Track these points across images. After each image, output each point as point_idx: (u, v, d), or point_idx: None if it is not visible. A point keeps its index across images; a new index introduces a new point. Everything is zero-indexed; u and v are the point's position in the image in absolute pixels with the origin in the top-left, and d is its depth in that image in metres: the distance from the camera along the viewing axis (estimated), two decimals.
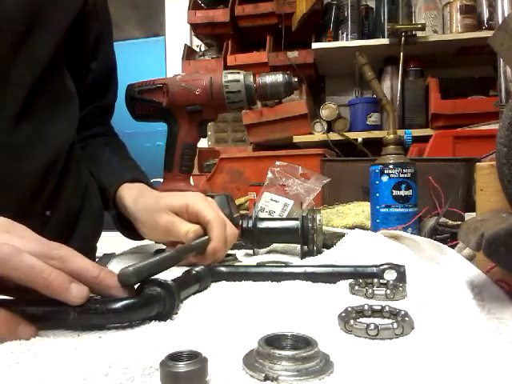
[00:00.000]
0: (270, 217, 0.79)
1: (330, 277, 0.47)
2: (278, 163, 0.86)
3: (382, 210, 0.74)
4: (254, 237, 0.65)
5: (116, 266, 0.62)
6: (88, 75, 0.77)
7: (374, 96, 1.87)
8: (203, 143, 2.24)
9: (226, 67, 2.05)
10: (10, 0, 0.56)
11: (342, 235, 0.67)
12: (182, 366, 0.25)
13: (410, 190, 0.73)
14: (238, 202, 1.08)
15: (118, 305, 0.34)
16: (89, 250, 0.72)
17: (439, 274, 0.48)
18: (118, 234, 0.70)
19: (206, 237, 0.57)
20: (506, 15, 0.99)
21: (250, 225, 0.65)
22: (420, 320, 0.35)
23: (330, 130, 1.98)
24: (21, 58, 0.57)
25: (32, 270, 0.33)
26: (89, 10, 0.71)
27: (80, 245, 0.66)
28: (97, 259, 0.68)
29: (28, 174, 0.58)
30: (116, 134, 0.88)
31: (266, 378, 0.26)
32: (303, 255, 0.63)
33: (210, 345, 0.30)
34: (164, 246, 0.71)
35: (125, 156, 0.82)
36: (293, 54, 2.00)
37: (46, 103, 0.62)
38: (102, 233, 0.77)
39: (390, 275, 0.46)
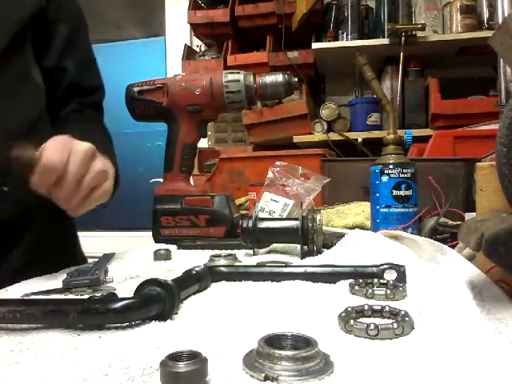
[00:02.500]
0: (270, 217, 0.79)
1: (330, 277, 0.47)
2: (278, 163, 0.86)
3: (382, 210, 0.74)
4: (254, 237, 0.65)
5: (116, 266, 0.62)
6: (65, 75, 0.79)
7: (374, 96, 1.87)
8: (203, 143, 2.24)
9: (226, 67, 2.05)
10: None
11: (342, 235, 0.67)
12: (181, 366, 0.25)
13: (410, 190, 0.73)
14: (237, 202, 1.08)
15: (118, 305, 0.34)
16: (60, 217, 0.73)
17: (439, 273, 0.48)
18: (118, 234, 0.70)
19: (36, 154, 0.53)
20: (506, 15, 0.99)
21: (250, 225, 0.65)
22: (420, 320, 0.35)
23: (330, 130, 1.97)
24: None
25: None
26: (53, 16, 0.75)
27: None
28: (96, 259, 0.68)
29: None
30: (94, 116, 0.87)
31: (266, 378, 0.26)
32: (303, 255, 0.63)
33: (210, 345, 0.30)
34: (166, 246, 0.71)
35: (83, 128, 0.80)
36: (293, 54, 2.00)
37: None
38: (102, 233, 0.77)
39: (390, 275, 0.46)
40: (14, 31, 0.67)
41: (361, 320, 0.34)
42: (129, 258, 0.70)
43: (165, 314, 0.37)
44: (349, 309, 0.36)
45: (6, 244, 0.69)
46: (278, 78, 0.82)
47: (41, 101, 0.75)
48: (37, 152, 0.52)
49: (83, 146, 0.56)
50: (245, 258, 0.66)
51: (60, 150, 0.53)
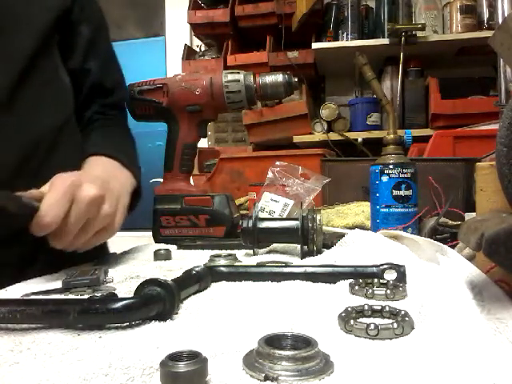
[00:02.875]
0: (270, 217, 0.79)
1: (330, 277, 0.47)
2: (278, 163, 0.86)
3: (382, 209, 0.74)
4: (254, 237, 0.65)
5: (116, 266, 0.62)
6: (88, 76, 0.79)
7: (374, 96, 1.87)
8: (203, 143, 2.24)
9: (226, 67, 2.05)
10: None
11: (342, 235, 0.67)
12: (182, 366, 0.25)
13: (410, 190, 0.73)
14: (237, 202, 1.08)
15: (118, 305, 0.34)
16: None
17: (439, 273, 0.48)
18: (118, 233, 0.70)
19: (36, 204, 0.50)
20: (506, 15, 0.99)
21: (250, 225, 0.65)
22: (420, 320, 0.35)
23: (330, 130, 1.98)
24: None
25: None
26: (76, 18, 0.75)
27: None
28: (96, 259, 0.68)
29: (8, 157, 0.61)
30: (116, 124, 0.87)
31: (266, 378, 0.26)
32: (303, 255, 0.63)
33: (210, 345, 0.30)
34: (166, 246, 0.71)
35: (105, 136, 0.81)
36: (293, 54, 2.00)
37: (30, 94, 0.65)
38: None
39: (390, 275, 0.46)
40: (42, 33, 0.68)
41: (361, 320, 0.34)
42: (129, 258, 0.70)
43: (165, 314, 0.37)
44: (349, 309, 0.36)
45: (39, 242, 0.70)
46: (278, 78, 0.82)
47: (70, 103, 0.75)
48: (37, 203, 0.50)
49: (89, 194, 0.53)
50: (245, 258, 0.66)
51: (60, 201, 0.51)
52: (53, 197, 0.51)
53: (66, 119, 0.73)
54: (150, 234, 0.85)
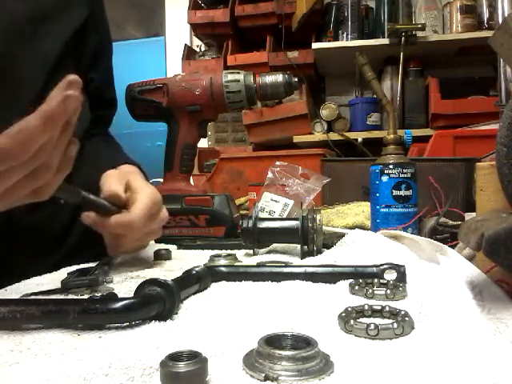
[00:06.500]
0: (270, 217, 0.79)
1: (330, 277, 0.47)
2: (278, 163, 0.86)
3: (382, 209, 0.74)
4: (254, 237, 0.65)
5: (116, 266, 0.62)
6: (89, 85, 0.80)
7: (374, 96, 1.87)
8: (203, 143, 2.24)
9: (226, 67, 2.05)
10: (12, 2, 0.63)
11: (342, 235, 0.67)
12: (182, 366, 0.25)
13: (410, 190, 0.73)
14: (238, 202, 1.08)
15: (118, 305, 0.34)
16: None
17: (439, 273, 0.48)
18: None
19: (115, 209, 0.55)
20: (506, 15, 0.99)
21: (250, 225, 0.65)
22: (420, 320, 0.35)
23: (330, 130, 1.98)
24: (29, 55, 0.63)
25: None
26: (86, 26, 0.75)
27: None
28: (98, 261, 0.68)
29: None
30: (112, 137, 0.90)
31: (266, 378, 0.26)
32: (303, 255, 0.63)
33: (210, 345, 0.30)
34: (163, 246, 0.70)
35: (117, 149, 0.84)
36: (293, 54, 2.00)
37: None
38: None
39: (390, 275, 0.46)
40: (66, 41, 0.69)
41: (361, 320, 0.34)
42: (129, 257, 0.70)
43: (165, 314, 0.37)
44: (349, 309, 0.36)
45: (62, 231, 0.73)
46: (278, 78, 0.82)
47: (88, 111, 0.76)
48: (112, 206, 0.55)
49: (166, 214, 0.63)
50: (245, 258, 0.66)
51: (147, 215, 0.57)
52: (141, 208, 0.56)
53: (85, 131, 0.74)
54: None
